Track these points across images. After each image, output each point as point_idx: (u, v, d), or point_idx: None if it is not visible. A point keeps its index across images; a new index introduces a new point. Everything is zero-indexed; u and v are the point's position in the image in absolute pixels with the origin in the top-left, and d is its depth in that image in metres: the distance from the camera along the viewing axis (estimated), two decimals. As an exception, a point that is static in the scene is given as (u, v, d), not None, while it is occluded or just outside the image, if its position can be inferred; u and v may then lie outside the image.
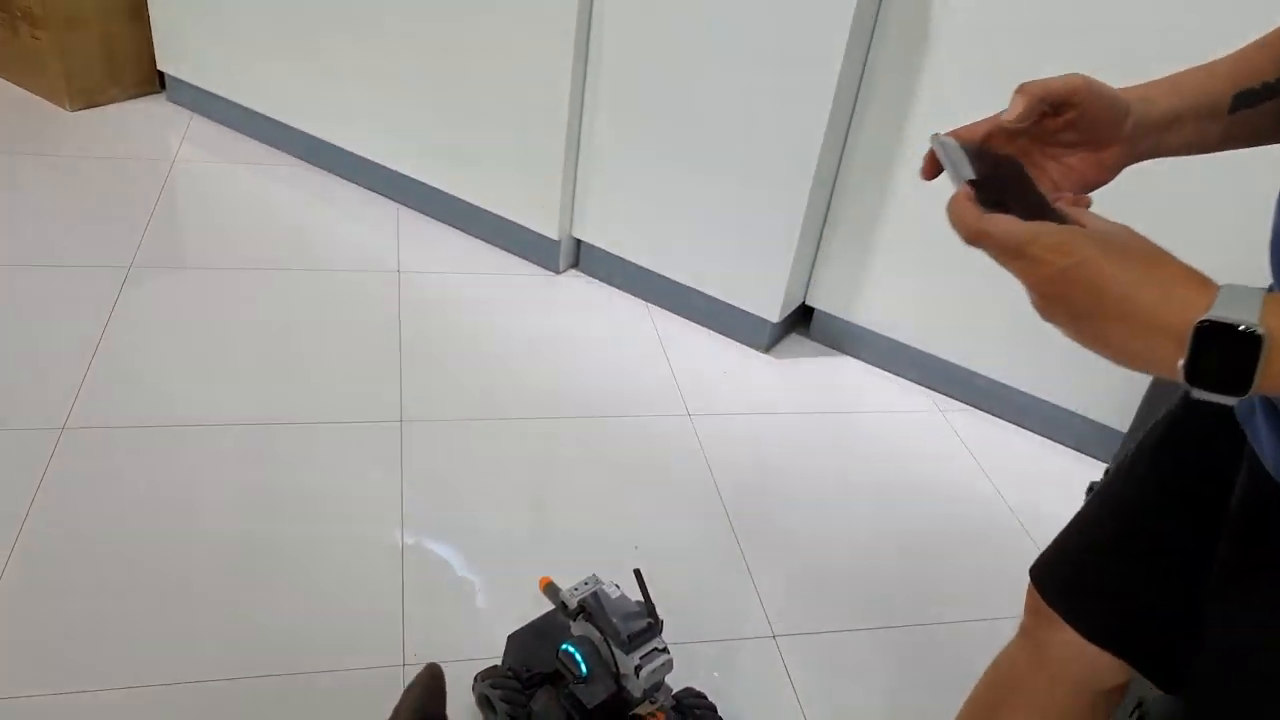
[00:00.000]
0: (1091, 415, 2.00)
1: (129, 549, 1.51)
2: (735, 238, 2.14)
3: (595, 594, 1.24)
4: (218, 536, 1.56)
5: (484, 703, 1.33)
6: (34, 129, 2.68)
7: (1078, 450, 2.07)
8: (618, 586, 1.27)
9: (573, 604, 1.24)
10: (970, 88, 1.83)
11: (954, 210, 0.59)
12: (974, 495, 1.92)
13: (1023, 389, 2.06)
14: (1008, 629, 1.03)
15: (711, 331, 2.29)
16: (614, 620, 1.20)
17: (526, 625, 1.37)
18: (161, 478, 1.65)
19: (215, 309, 2.09)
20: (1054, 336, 1.92)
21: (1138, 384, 1.82)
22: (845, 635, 1.58)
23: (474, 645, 1.43)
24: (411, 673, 0.98)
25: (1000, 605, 1.64)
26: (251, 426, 1.78)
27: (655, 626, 1.23)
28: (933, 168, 0.69)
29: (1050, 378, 2.02)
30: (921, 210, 2.00)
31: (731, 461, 1.88)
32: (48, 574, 1.45)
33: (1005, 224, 0.56)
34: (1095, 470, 1.98)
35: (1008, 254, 0.56)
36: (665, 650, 1.24)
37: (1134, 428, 1.82)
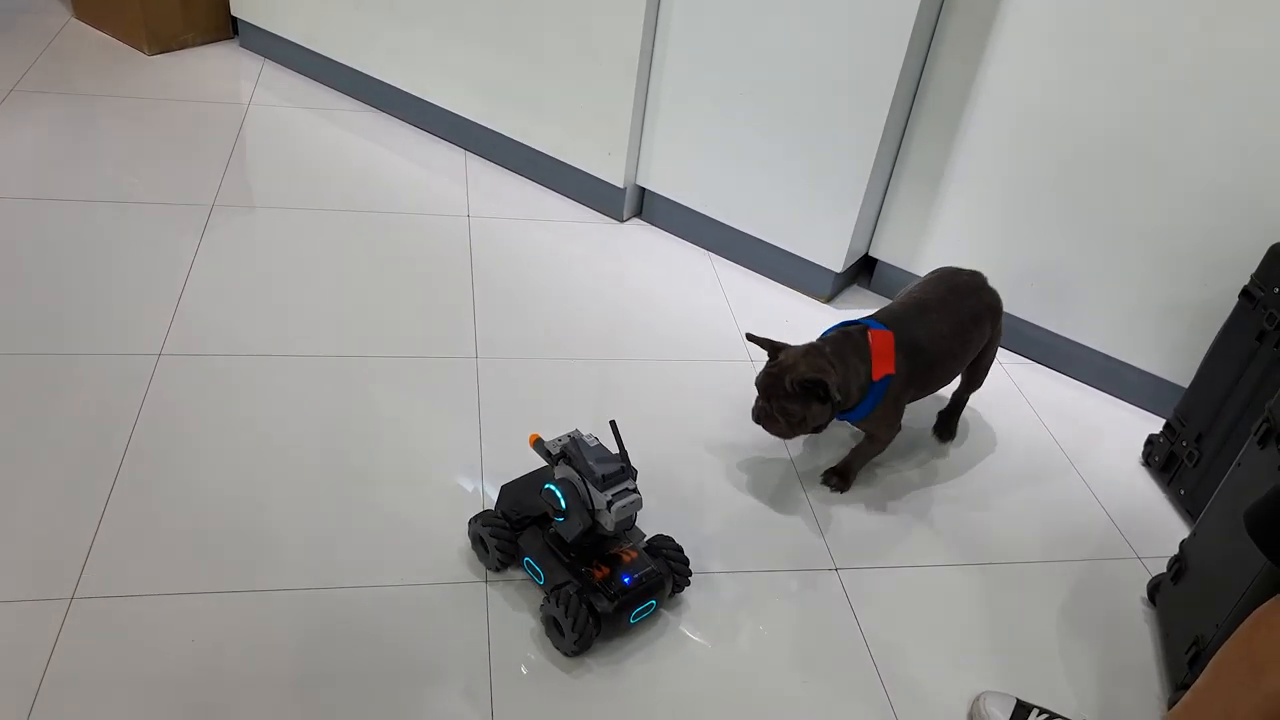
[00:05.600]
0: (1151, 370, 2.02)
1: (219, 461, 1.59)
2: (801, 188, 2.16)
3: (574, 440, 1.39)
4: (297, 458, 1.63)
5: (477, 542, 1.48)
6: (116, 71, 2.75)
7: (1135, 404, 2.09)
8: (596, 437, 1.41)
9: (555, 450, 1.39)
10: (1045, 41, 1.83)
11: None
12: (1040, 450, 1.95)
13: (1083, 342, 2.08)
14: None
15: (773, 281, 2.32)
16: (590, 463, 1.35)
17: (517, 478, 1.51)
18: (246, 402, 1.73)
19: (293, 247, 2.16)
20: (1115, 291, 1.95)
21: (1200, 337, 1.83)
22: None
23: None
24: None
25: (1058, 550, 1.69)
26: (330, 359, 1.85)
27: (628, 470, 1.38)
28: None
29: (1109, 332, 2.04)
30: (990, 161, 2.01)
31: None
32: (152, 477, 1.54)
33: None
34: (1154, 424, 2.00)
35: None
36: (636, 491, 1.37)
37: (1196, 384, 1.83)
